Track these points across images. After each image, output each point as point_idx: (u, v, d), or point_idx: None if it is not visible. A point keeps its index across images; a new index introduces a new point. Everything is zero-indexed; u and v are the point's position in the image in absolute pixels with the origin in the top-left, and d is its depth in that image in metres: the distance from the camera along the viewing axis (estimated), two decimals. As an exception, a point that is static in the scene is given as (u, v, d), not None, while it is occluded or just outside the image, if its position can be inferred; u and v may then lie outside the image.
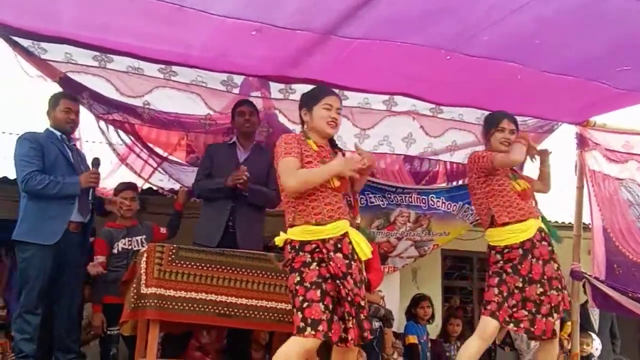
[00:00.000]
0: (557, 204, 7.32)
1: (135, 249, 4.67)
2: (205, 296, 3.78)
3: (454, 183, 6.33)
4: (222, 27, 4.01)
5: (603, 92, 4.90)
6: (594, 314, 7.17)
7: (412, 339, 6.06)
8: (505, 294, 3.81)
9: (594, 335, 7.08)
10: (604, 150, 5.83)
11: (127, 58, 4.67)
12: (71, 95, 4.54)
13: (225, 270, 3.83)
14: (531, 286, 3.81)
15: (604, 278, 5.67)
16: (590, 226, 5.88)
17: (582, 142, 5.91)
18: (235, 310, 3.81)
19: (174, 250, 3.79)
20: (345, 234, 3.11)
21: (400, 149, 6.13)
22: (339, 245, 3.07)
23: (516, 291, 3.81)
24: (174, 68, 4.86)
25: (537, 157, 4.38)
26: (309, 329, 2.92)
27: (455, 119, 5.86)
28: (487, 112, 5.50)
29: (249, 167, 4.56)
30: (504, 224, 3.91)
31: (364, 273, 3.22)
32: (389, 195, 6.13)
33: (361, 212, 5.41)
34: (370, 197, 6.06)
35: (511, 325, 3.79)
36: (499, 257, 3.93)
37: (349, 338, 2.98)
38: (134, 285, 3.71)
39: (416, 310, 6.27)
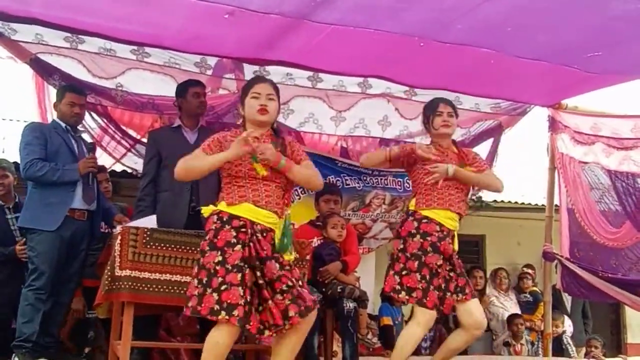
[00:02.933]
0: (528, 186, 7.45)
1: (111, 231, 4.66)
2: (180, 278, 3.76)
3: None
4: (194, 10, 3.99)
5: (574, 76, 4.97)
6: (567, 295, 7.30)
7: (387, 320, 6.13)
8: (428, 277, 3.62)
9: (564, 316, 7.23)
10: (572, 133, 5.92)
11: (99, 39, 4.63)
12: (77, 88, 4.53)
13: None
14: (444, 263, 3.70)
15: (568, 258, 5.82)
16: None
17: (554, 125, 6.02)
18: (210, 291, 3.82)
19: (148, 233, 3.77)
20: (272, 230, 3.08)
21: (377, 132, 6.17)
22: (265, 234, 3.05)
23: (439, 270, 3.66)
24: (147, 49, 4.83)
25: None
26: (223, 312, 2.84)
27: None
28: (461, 95, 5.60)
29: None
30: (420, 209, 3.75)
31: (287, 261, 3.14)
32: (365, 178, 6.16)
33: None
34: (346, 180, 6.08)
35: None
36: (415, 225, 3.70)
37: (265, 327, 2.96)
38: (108, 268, 3.69)
39: (391, 292, 6.32)
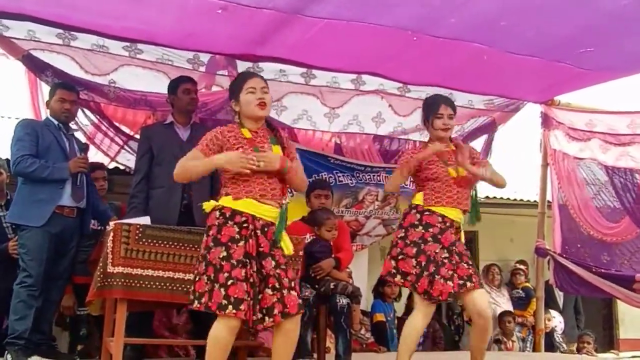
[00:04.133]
0: (521, 183, 7.45)
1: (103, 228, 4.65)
2: (173, 274, 3.76)
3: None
4: (187, 6, 3.98)
5: (567, 72, 4.99)
6: (558, 291, 7.32)
7: (380, 316, 6.13)
8: (424, 263, 3.63)
9: (553, 312, 7.24)
10: (567, 129, 5.94)
11: (92, 36, 4.61)
12: (68, 85, 4.50)
13: (192, 248, 3.81)
14: (441, 250, 3.67)
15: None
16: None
17: (547, 121, 6.04)
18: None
19: (140, 229, 3.77)
20: (273, 224, 3.11)
21: (370, 129, 6.18)
22: (266, 229, 3.09)
23: (436, 257, 3.63)
24: (140, 46, 4.83)
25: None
26: (230, 307, 2.89)
27: (423, 98, 5.87)
28: (454, 92, 5.59)
29: (193, 146, 4.45)
30: (430, 206, 3.73)
31: (284, 259, 3.16)
32: (358, 174, 6.16)
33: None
34: (339, 176, 6.08)
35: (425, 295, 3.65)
36: (418, 216, 3.71)
37: (265, 317, 2.99)
38: (101, 265, 3.69)
39: (383, 289, 6.33)
